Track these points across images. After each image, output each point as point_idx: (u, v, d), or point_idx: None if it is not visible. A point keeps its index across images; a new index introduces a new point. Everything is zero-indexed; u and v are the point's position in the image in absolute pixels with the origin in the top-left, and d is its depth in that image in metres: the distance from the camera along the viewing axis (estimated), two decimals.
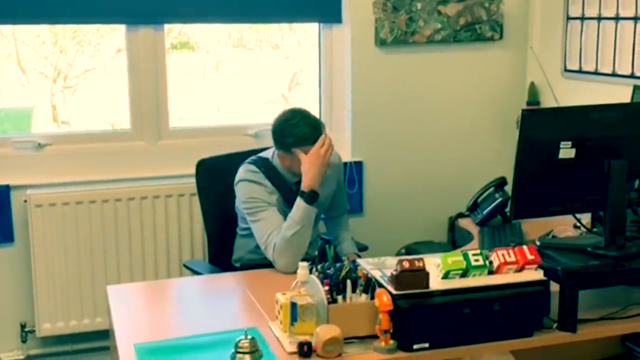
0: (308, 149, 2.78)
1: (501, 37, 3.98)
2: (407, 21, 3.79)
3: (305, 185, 2.75)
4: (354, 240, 3.15)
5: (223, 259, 3.03)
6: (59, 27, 3.73)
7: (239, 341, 1.99)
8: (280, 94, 4.09)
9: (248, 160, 2.92)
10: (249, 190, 2.82)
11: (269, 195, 2.81)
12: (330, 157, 2.90)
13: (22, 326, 3.52)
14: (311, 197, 2.73)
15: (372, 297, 2.08)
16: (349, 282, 2.13)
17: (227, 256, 3.03)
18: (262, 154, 2.96)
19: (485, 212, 3.16)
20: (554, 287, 2.18)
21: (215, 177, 3.09)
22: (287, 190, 2.85)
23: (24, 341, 3.53)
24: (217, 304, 2.58)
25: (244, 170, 2.87)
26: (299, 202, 2.73)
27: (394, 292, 2.04)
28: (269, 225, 2.75)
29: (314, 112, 3.88)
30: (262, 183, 2.82)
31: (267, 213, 2.77)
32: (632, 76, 3.39)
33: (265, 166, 2.87)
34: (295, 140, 2.79)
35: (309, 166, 2.76)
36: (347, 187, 3.37)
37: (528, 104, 3.96)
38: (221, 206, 3.04)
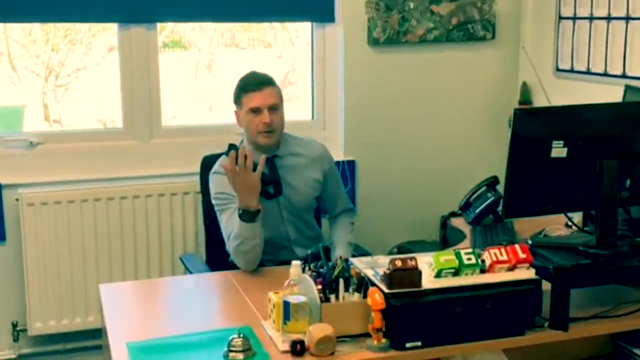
0: (250, 98, 2.82)
1: (493, 36, 3.99)
2: (399, 20, 3.79)
3: (239, 205, 2.68)
4: (352, 244, 3.02)
5: (222, 259, 2.98)
6: (51, 26, 3.72)
7: (232, 340, 2.00)
8: None
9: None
10: (218, 184, 2.83)
11: None
12: (306, 150, 2.94)
13: (14, 325, 3.51)
14: (244, 217, 2.66)
15: (365, 296, 2.08)
16: (341, 281, 2.14)
17: (226, 255, 3.00)
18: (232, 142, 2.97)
19: (477, 211, 3.16)
20: (546, 285, 2.19)
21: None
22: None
23: (15, 340, 3.52)
24: (209, 302, 2.58)
25: (217, 162, 2.90)
26: (238, 219, 2.69)
27: (386, 290, 2.05)
28: (229, 226, 2.75)
29: (307, 111, 3.91)
30: None
31: (229, 212, 2.77)
32: (623, 76, 3.41)
33: (232, 149, 2.86)
34: (239, 89, 2.86)
35: (235, 189, 2.67)
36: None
37: (520, 103, 3.97)
38: None
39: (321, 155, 3.02)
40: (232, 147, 2.76)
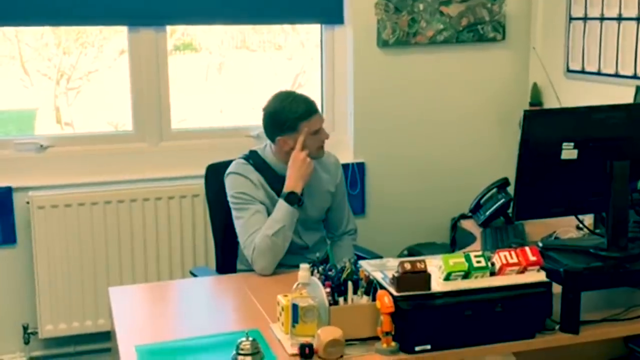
0: (309, 124, 2.79)
1: (504, 37, 3.97)
2: (409, 22, 3.79)
3: (286, 186, 2.76)
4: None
5: (232, 268, 2.97)
6: (62, 29, 3.74)
7: (241, 343, 1.99)
8: None
9: (240, 155, 2.93)
10: (236, 183, 2.83)
11: (255, 190, 2.80)
12: (325, 158, 2.93)
13: (25, 328, 3.52)
14: (290, 199, 2.73)
15: (374, 299, 2.08)
16: (350, 283, 2.13)
17: (235, 264, 2.99)
18: (253, 148, 2.97)
19: (487, 213, 3.15)
20: (557, 288, 2.18)
21: (223, 183, 3.04)
22: (275, 182, 2.83)
23: (26, 343, 3.53)
24: (218, 305, 2.58)
25: (234, 163, 2.89)
26: (280, 202, 2.74)
27: (395, 293, 2.04)
28: (252, 225, 2.75)
29: None
30: (249, 177, 2.82)
31: (251, 212, 2.77)
32: (634, 77, 3.39)
33: (253, 158, 2.88)
34: (295, 117, 2.79)
35: (290, 168, 2.77)
36: (349, 189, 3.29)
37: (531, 104, 3.96)
38: (229, 213, 2.97)
39: (336, 168, 3.02)
40: (253, 153, 2.86)
